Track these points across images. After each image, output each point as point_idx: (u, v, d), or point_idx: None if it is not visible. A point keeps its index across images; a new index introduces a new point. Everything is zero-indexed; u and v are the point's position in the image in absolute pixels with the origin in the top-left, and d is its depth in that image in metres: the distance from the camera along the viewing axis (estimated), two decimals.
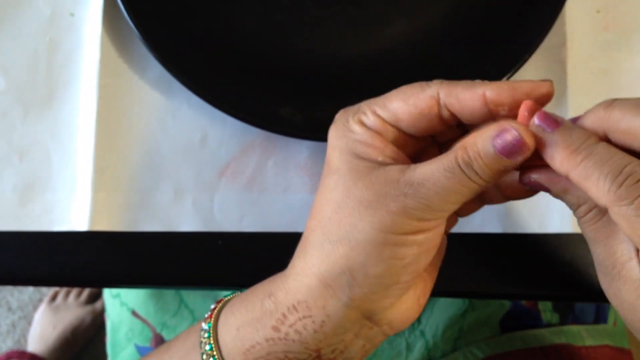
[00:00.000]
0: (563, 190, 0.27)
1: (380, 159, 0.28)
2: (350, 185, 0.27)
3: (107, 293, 0.68)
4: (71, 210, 0.40)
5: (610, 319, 0.58)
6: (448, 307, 0.55)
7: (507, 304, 0.56)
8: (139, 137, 0.41)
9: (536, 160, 0.27)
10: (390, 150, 0.28)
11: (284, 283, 0.29)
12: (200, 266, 0.40)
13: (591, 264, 0.39)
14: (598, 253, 0.27)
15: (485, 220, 0.40)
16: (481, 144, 0.26)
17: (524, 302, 0.56)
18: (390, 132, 0.29)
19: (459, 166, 0.26)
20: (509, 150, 0.25)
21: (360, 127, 0.28)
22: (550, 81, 0.27)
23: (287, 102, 0.39)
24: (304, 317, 0.28)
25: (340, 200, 0.28)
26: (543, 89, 0.27)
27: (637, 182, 0.23)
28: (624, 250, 0.26)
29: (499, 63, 0.39)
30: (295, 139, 0.40)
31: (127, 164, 0.41)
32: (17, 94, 0.42)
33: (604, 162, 0.24)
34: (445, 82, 0.28)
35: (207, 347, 0.30)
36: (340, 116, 0.30)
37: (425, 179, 0.26)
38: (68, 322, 1.19)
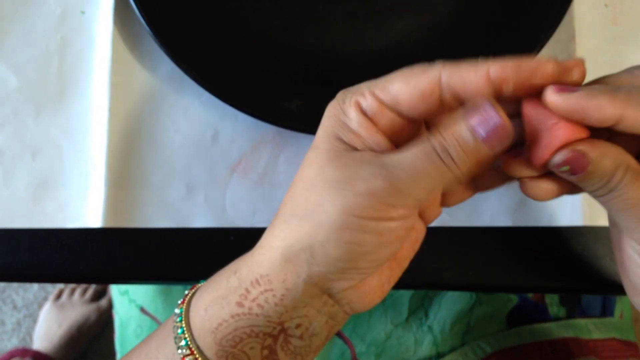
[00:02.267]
0: (601, 154, 0.26)
1: (359, 147, 0.28)
2: (323, 164, 0.27)
3: (116, 290, 0.68)
4: (84, 207, 0.41)
5: (617, 312, 0.58)
6: (455, 302, 0.55)
7: (514, 298, 0.56)
8: (151, 134, 0.41)
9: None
10: (373, 141, 0.28)
11: (249, 257, 0.30)
12: (213, 262, 0.41)
13: (602, 256, 0.39)
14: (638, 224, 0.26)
15: (495, 214, 0.40)
16: (462, 128, 0.25)
17: (530, 296, 0.57)
18: (386, 117, 0.28)
19: (435, 150, 0.26)
20: (493, 138, 0.25)
21: (354, 110, 0.28)
22: (555, 60, 0.26)
23: (297, 97, 0.39)
24: (266, 290, 0.28)
25: (312, 177, 0.28)
26: (548, 67, 0.26)
27: None
28: None
29: (508, 57, 0.39)
30: (305, 135, 0.40)
31: (139, 161, 0.41)
32: (29, 93, 0.42)
33: None
34: (449, 64, 0.27)
35: (179, 331, 0.30)
36: (339, 95, 0.29)
37: (399, 162, 0.26)
38: (73, 320, 1.19)
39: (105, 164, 0.41)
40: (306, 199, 0.28)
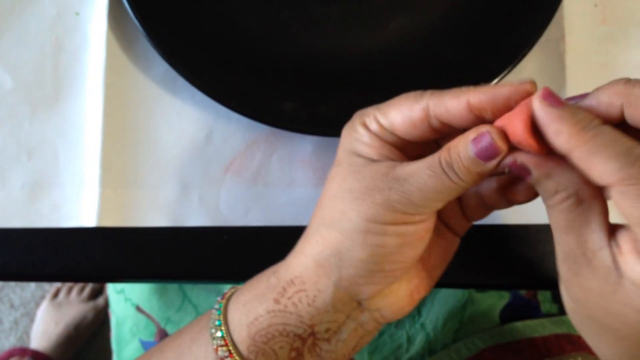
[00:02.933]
0: (546, 175, 0.27)
1: (376, 157, 0.30)
2: (345, 176, 0.30)
3: (112, 289, 0.68)
4: (79, 207, 0.41)
5: None
6: (448, 299, 0.56)
7: (506, 295, 0.57)
8: (145, 134, 0.42)
9: (516, 151, 0.27)
10: (387, 150, 0.30)
11: (287, 261, 0.32)
12: (207, 260, 0.41)
13: None
14: (566, 242, 0.27)
15: None
16: (462, 146, 0.27)
17: (523, 293, 0.57)
18: (390, 137, 0.31)
19: (441, 166, 0.28)
20: (485, 154, 0.27)
21: (363, 129, 0.31)
22: (530, 81, 0.27)
23: (290, 97, 0.40)
24: (300, 290, 0.30)
25: (335, 189, 0.30)
26: (522, 91, 0.27)
27: None
28: (596, 239, 0.26)
29: (498, 57, 0.39)
30: (299, 134, 0.41)
31: (133, 161, 0.41)
32: (24, 93, 0.42)
33: (614, 142, 0.24)
34: (435, 94, 0.29)
35: (217, 323, 0.32)
36: (353, 117, 0.32)
37: (410, 175, 0.28)
38: (71, 319, 1.19)
39: (100, 164, 0.41)
40: (331, 209, 0.30)
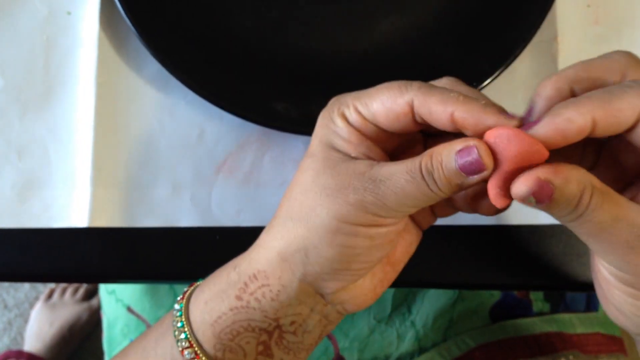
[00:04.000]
0: (566, 180, 0.25)
1: (353, 154, 0.29)
2: (319, 171, 0.29)
3: (103, 290, 0.68)
4: (70, 207, 0.41)
5: (602, 307, 0.59)
6: (438, 297, 0.56)
7: (496, 294, 0.57)
8: (137, 133, 0.41)
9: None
10: (365, 147, 0.29)
11: (248, 255, 0.31)
12: (199, 260, 0.41)
13: (583, 254, 0.40)
14: (621, 230, 0.25)
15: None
16: (446, 156, 0.26)
17: (515, 292, 0.57)
18: (370, 129, 0.29)
19: (421, 172, 0.26)
20: (468, 169, 0.26)
21: (342, 121, 0.29)
22: (517, 119, 0.26)
23: (282, 97, 0.40)
24: (263, 285, 0.30)
25: (307, 183, 0.29)
26: (508, 126, 0.26)
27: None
28: (636, 208, 0.25)
29: (491, 58, 0.39)
30: (291, 134, 0.41)
31: (125, 161, 0.41)
32: (15, 93, 0.42)
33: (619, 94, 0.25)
34: (423, 89, 0.27)
35: (179, 324, 0.31)
36: (330, 104, 0.30)
37: (387, 177, 0.27)
38: (65, 320, 1.19)
39: (91, 164, 0.41)
40: (301, 203, 0.29)
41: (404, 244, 0.32)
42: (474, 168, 0.25)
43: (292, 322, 0.31)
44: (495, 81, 0.39)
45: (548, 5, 0.40)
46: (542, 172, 0.24)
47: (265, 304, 0.30)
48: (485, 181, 0.27)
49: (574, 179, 0.25)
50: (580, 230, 0.26)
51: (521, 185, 0.25)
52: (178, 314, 0.31)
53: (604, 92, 0.25)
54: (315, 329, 0.31)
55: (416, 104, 0.27)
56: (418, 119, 0.28)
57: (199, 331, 0.31)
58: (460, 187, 0.27)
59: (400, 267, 0.33)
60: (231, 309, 0.30)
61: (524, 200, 0.25)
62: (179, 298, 0.33)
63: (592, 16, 0.42)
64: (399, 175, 0.27)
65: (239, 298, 0.30)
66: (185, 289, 0.33)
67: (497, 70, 0.39)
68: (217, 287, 0.31)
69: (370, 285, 0.31)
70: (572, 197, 0.25)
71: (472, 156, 0.25)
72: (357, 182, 0.27)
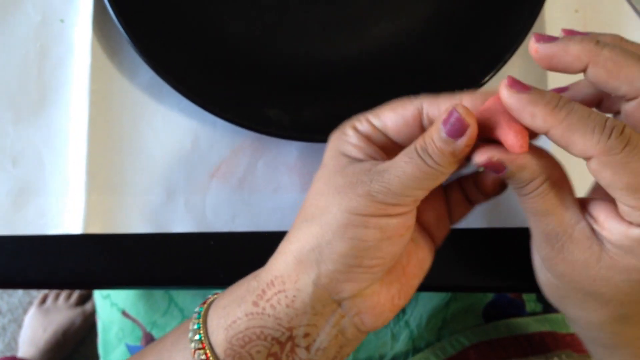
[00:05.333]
0: (522, 166, 0.28)
1: (362, 157, 0.31)
2: (330, 175, 0.31)
3: (98, 294, 0.68)
4: (65, 213, 0.41)
5: None
6: (432, 297, 0.56)
7: (490, 294, 0.57)
8: (131, 140, 0.42)
9: (493, 146, 0.29)
10: (372, 150, 0.31)
11: (268, 263, 0.32)
12: (194, 266, 0.41)
13: None
14: (546, 224, 0.30)
15: (471, 216, 0.41)
16: (434, 129, 0.28)
17: (509, 293, 0.58)
18: (379, 138, 0.32)
19: (417, 151, 0.28)
20: (454, 131, 0.27)
21: (352, 130, 0.32)
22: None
23: (275, 103, 0.40)
24: (279, 291, 0.30)
25: (320, 188, 0.31)
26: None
27: (622, 133, 0.25)
28: (573, 214, 0.29)
29: (481, 62, 0.40)
30: (284, 140, 0.41)
31: (119, 167, 0.41)
32: (8, 100, 0.42)
33: (587, 117, 0.26)
34: (431, 96, 0.31)
35: (196, 326, 0.32)
36: (342, 124, 0.33)
37: (389, 166, 0.29)
38: (58, 324, 1.19)
39: (85, 171, 0.41)
40: (315, 206, 0.31)
41: (417, 260, 0.33)
42: (458, 128, 0.27)
43: (306, 335, 0.31)
44: (486, 85, 0.40)
45: (537, 10, 0.40)
46: (498, 154, 0.28)
47: (280, 310, 0.30)
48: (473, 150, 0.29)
49: (529, 167, 0.28)
50: (521, 204, 0.30)
51: (479, 156, 0.29)
52: (197, 316, 0.32)
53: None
54: (330, 345, 0.31)
55: (425, 106, 0.30)
56: (425, 123, 0.31)
57: (213, 334, 0.31)
58: (454, 156, 0.28)
59: (415, 282, 0.34)
60: (246, 314, 0.31)
61: (478, 166, 0.29)
62: (201, 303, 0.34)
63: (581, 21, 0.43)
64: (399, 160, 0.29)
65: (255, 304, 0.31)
66: (209, 296, 0.34)
67: (488, 75, 0.39)
68: (236, 294, 0.32)
69: (387, 295, 0.32)
70: (522, 180, 0.29)
71: (454, 116, 0.27)
72: (365, 177, 0.29)
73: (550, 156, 0.30)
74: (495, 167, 0.29)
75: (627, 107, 0.28)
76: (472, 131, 0.28)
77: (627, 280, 0.28)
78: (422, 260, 0.34)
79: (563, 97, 0.27)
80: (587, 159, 0.26)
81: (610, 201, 0.28)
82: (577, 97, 0.32)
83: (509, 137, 0.28)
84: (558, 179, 0.29)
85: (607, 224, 0.28)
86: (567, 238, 0.29)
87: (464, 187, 0.35)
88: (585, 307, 0.31)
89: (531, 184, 0.29)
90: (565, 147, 0.27)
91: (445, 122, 0.28)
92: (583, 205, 0.30)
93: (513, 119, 0.28)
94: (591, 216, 0.29)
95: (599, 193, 0.31)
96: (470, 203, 0.35)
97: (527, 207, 0.30)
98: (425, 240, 0.34)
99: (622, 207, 0.27)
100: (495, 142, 0.29)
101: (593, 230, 0.29)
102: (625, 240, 0.27)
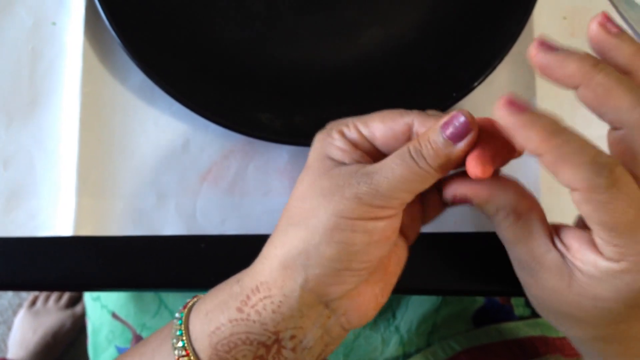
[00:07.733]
0: (485, 200, 0.30)
1: (347, 161, 0.31)
2: (315, 178, 0.31)
3: (88, 296, 0.68)
4: (55, 216, 0.41)
5: None
6: (422, 303, 0.57)
7: (480, 299, 0.58)
8: (122, 143, 0.42)
9: (459, 180, 0.30)
10: (358, 155, 0.31)
11: (251, 268, 0.32)
12: (184, 269, 0.41)
13: None
14: (518, 252, 0.31)
15: (459, 221, 0.41)
16: (432, 133, 0.29)
17: (498, 298, 0.58)
18: (365, 146, 0.32)
19: (409, 153, 0.29)
20: (456, 134, 0.28)
21: (338, 134, 0.32)
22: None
23: (266, 108, 0.40)
24: (265, 297, 0.30)
25: (304, 191, 0.31)
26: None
27: (612, 173, 0.25)
28: (541, 244, 0.30)
29: (470, 69, 0.40)
30: (275, 144, 0.41)
31: (110, 170, 0.41)
32: (0, 103, 0.42)
33: (582, 150, 0.26)
34: (422, 113, 0.31)
35: (178, 332, 0.31)
36: (328, 125, 0.33)
37: (378, 168, 0.29)
38: (48, 327, 1.18)
39: (77, 173, 0.41)
40: (300, 209, 0.30)
41: (396, 258, 0.34)
42: (461, 131, 0.28)
43: (292, 337, 0.31)
44: (475, 91, 0.40)
45: (525, 17, 0.41)
46: (463, 188, 0.30)
47: (265, 316, 0.30)
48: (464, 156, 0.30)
49: (492, 200, 0.30)
50: (496, 231, 0.32)
51: (446, 192, 0.31)
52: (178, 322, 0.32)
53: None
54: (315, 346, 0.31)
55: (417, 124, 0.30)
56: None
57: (196, 341, 0.31)
58: (448, 158, 0.29)
59: (394, 280, 0.34)
60: (230, 321, 0.30)
61: (447, 201, 0.32)
62: (180, 308, 0.33)
63: (569, 28, 0.43)
64: (389, 162, 0.29)
65: (239, 310, 0.30)
66: (188, 300, 0.34)
67: (476, 81, 0.40)
68: (219, 299, 0.31)
69: (371, 294, 0.32)
70: (488, 212, 0.31)
71: (459, 120, 0.28)
72: (352, 179, 0.29)
73: (519, 186, 0.30)
74: (461, 200, 0.31)
75: (611, 137, 0.28)
76: (472, 137, 0.28)
77: (596, 307, 0.29)
78: (400, 258, 0.34)
79: (560, 123, 0.26)
80: (572, 189, 0.26)
81: (587, 228, 0.28)
82: (563, 71, 0.30)
83: (470, 164, 0.28)
84: (527, 208, 0.30)
85: (580, 253, 0.28)
86: (538, 266, 0.30)
87: (439, 188, 0.35)
88: (565, 326, 0.32)
89: (497, 216, 0.30)
90: (552, 173, 0.26)
91: (446, 125, 0.28)
92: (557, 231, 0.30)
93: (484, 143, 0.29)
94: (564, 244, 0.29)
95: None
96: (444, 205, 0.35)
97: (498, 235, 0.31)
98: (401, 239, 0.34)
99: (596, 239, 0.27)
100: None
101: (564, 258, 0.29)
102: (595, 271, 0.28)
